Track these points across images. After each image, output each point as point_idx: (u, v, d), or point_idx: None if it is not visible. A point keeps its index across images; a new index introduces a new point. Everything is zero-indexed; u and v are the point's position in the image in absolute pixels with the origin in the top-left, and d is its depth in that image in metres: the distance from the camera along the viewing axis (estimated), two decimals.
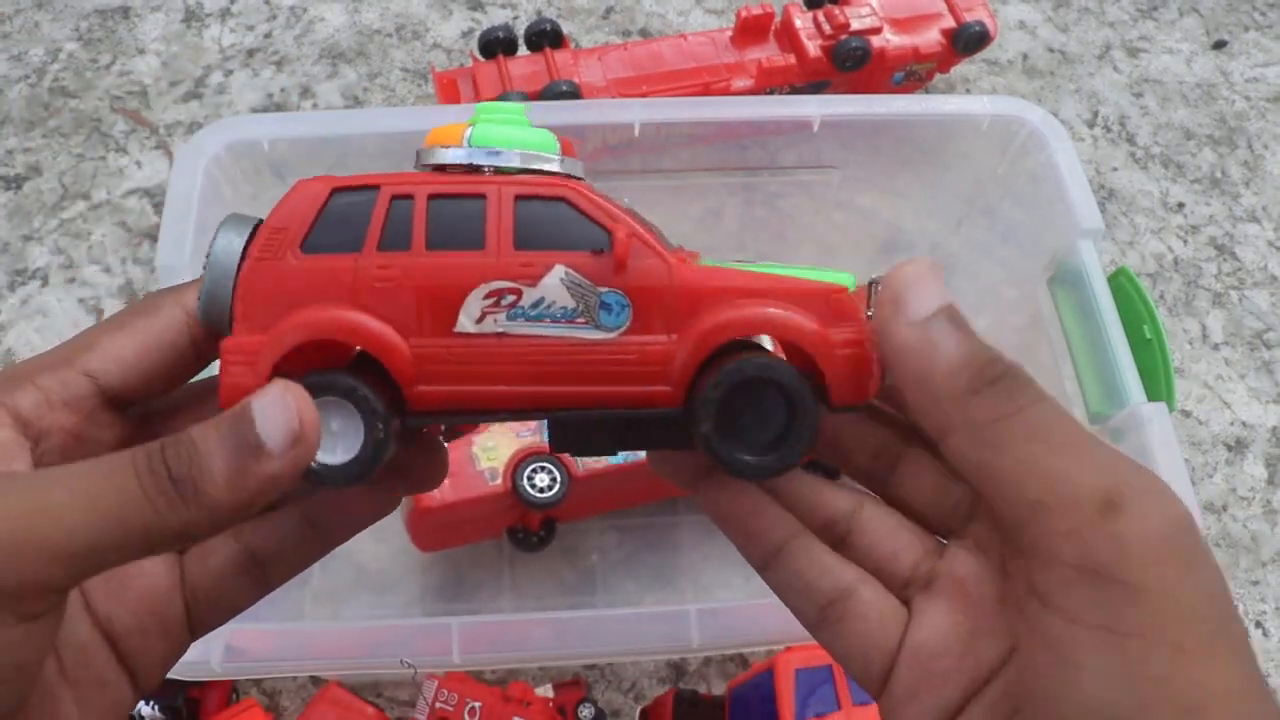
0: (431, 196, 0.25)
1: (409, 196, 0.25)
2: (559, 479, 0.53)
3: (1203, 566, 0.21)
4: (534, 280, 0.24)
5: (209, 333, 0.25)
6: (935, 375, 0.22)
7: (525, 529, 0.59)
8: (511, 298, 0.24)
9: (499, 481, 0.53)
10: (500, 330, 0.24)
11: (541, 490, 0.53)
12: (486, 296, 0.24)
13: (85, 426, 0.24)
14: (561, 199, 0.25)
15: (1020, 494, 0.21)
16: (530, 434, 0.54)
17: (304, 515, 0.26)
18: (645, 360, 0.25)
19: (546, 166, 0.25)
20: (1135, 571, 0.20)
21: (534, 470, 0.53)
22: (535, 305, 0.24)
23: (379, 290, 0.24)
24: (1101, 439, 0.22)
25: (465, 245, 0.24)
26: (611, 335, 0.25)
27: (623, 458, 0.54)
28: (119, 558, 0.21)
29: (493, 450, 0.53)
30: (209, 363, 0.26)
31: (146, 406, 0.26)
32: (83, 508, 0.20)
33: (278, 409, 0.22)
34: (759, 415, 0.25)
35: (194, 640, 0.26)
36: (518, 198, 0.25)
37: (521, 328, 0.24)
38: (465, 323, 0.24)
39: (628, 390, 0.25)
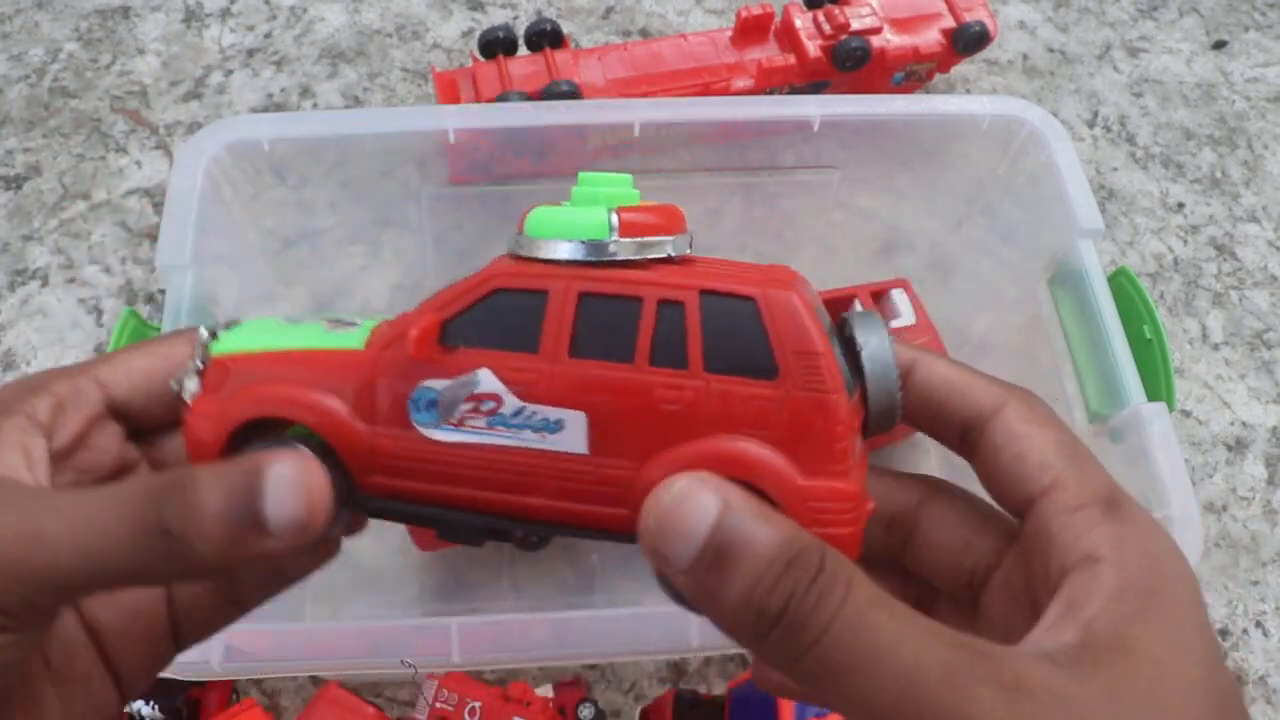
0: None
1: None
2: None
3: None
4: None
5: None
6: (725, 626, 0.20)
7: None
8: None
9: None
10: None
11: None
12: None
13: (91, 431, 0.25)
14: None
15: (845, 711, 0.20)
16: None
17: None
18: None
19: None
20: None
21: None
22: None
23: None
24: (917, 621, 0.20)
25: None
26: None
27: None
28: (104, 589, 0.21)
29: None
30: None
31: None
32: (72, 543, 0.20)
33: (292, 490, 0.21)
34: None
35: (179, 651, 0.26)
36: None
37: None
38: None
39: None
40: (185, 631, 0.26)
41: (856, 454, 0.23)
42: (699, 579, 0.20)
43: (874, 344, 0.24)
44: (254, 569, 0.25)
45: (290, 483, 0.21)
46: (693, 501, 0.20)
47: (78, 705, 0.24)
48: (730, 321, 0.23)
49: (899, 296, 0.63)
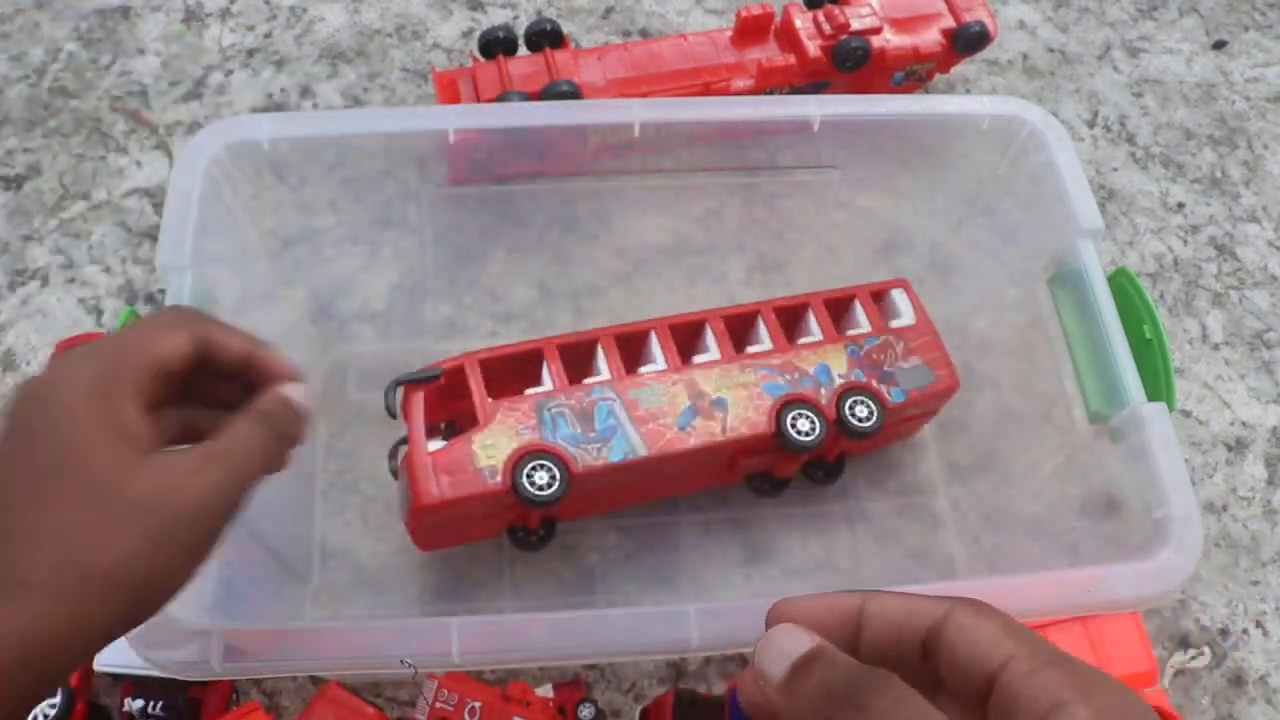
0: None
1: None
2: (558, 476, 0.53)
3: None
4: None
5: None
6: (799, 709, 0.26)
7: (525, 528, 0.59)
8: None
9: (499, 479, 0.53)
10: None
11: (541, 488, 0.53)
12: None
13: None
14: None
15: None
16: (530, 431, 0.54)
17: None
18: None
19: None
20: None
21: (533, 468, 0.53)
22: None
23: None
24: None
25: None
26: None
27: (621, 455, 0.54)
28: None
29: (492, 448, 0.53)
30: None
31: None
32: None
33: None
34: None
35: None
36: None
37: None
38: None
39: None
40: None
41: None
42: (790, 680, 0.27)
43: None
44: None
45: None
46: (793, 638, 0.28)
47: None
48: None
49: (899, 296, 0.63)
